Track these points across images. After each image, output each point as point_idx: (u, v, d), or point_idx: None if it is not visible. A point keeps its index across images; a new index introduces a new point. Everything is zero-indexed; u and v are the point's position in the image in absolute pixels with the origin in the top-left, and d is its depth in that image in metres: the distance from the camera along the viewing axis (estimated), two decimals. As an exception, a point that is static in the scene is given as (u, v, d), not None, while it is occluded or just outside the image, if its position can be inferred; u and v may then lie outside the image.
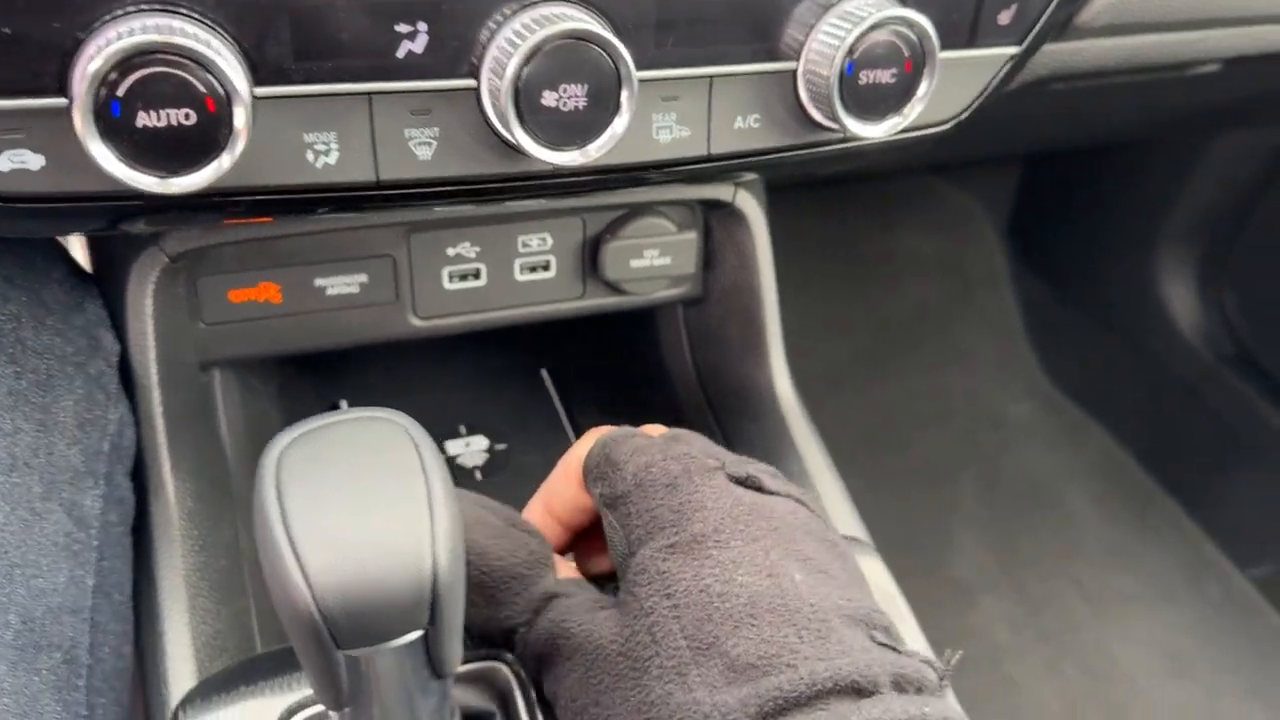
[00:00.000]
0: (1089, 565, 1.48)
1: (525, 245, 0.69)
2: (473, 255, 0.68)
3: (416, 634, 0.38)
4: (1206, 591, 1.46)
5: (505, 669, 0.56)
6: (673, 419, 0.79)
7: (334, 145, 0.45)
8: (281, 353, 0.67)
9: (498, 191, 0.50)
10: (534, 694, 0.55)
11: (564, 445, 0.81)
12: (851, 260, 1.75)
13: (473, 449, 0.77)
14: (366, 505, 0.36)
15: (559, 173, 0.49)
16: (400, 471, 0.37)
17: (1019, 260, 1.74)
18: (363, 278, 0.65)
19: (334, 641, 0.36)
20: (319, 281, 0.65)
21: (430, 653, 0.40)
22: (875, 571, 0.65)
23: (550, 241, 0.69)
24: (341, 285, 0.65)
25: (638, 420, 0.82)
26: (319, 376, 0.82)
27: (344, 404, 0.81)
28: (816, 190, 1.74)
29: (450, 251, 0.67)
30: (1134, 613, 1.44)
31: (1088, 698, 1.36)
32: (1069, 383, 1.65)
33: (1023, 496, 1.54)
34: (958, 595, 1.44)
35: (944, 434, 1.61)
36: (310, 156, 0.45)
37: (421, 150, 0.46)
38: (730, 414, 0.74)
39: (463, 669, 0.56)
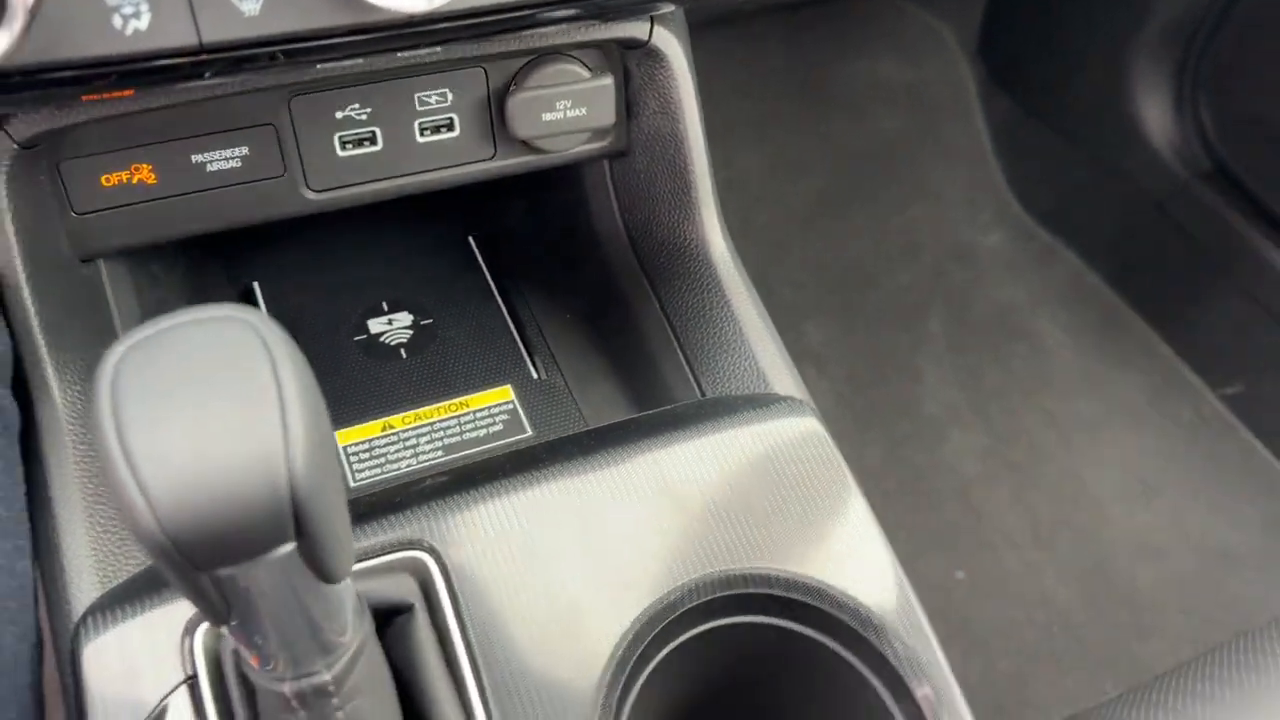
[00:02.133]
0: (1057, 394, 1.47)
1: (423, 103, 0.63)
2: (364, 118, 0.62)
3: (287, 548, 0.35)
4: (1176, 413, 1.46)
5: (426, 556, 0.54)
6: (605, 284, 0.75)
7: (143, 7, 0.39)
8: (166, 238, 0.62)
9: (350, 47, 0.44)
10: (456, 582, 0.54)
11: (494, 315, 0.77)
12: (815, 92, 1.67)
13: (396, 326, 0.73)
14: (211, 415, 0.32)
15: (412, 23, 0.43)
16: (248, 375, 0.33)
17: (988, 82, 1.66)
18: (244, 150, 0.60)
19: (191, 563, 0.34)
20: (196, 158, 0.59)
21: (311, 563, 0.38)
22: (815, 439, 0.62)
23: (451, 97, 0.63)
24: (221, 160, 0.60)
25: (569, 288, 0.78)
26: (228, 258, 0.78)
27: (256, 286, 0.76)
28: (777, 16, 1.64)
29: (339, 115, 0.61)
30: (1103, 438, 1.44)
31: (1056, 524, 1.37)
32: (1039, 208, 1.60)
33: (992, 328, 1.52)
34: (928, 430, 1.43)
35: (913, 270, 1.57)
36: (117, 22, 0.39)
37: (247, 5, 0.41)
38: (663, 275, 0.70)
39: (378, 560, 0.53)
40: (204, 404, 0.32)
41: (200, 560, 0.33)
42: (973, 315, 1.53)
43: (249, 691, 0.47)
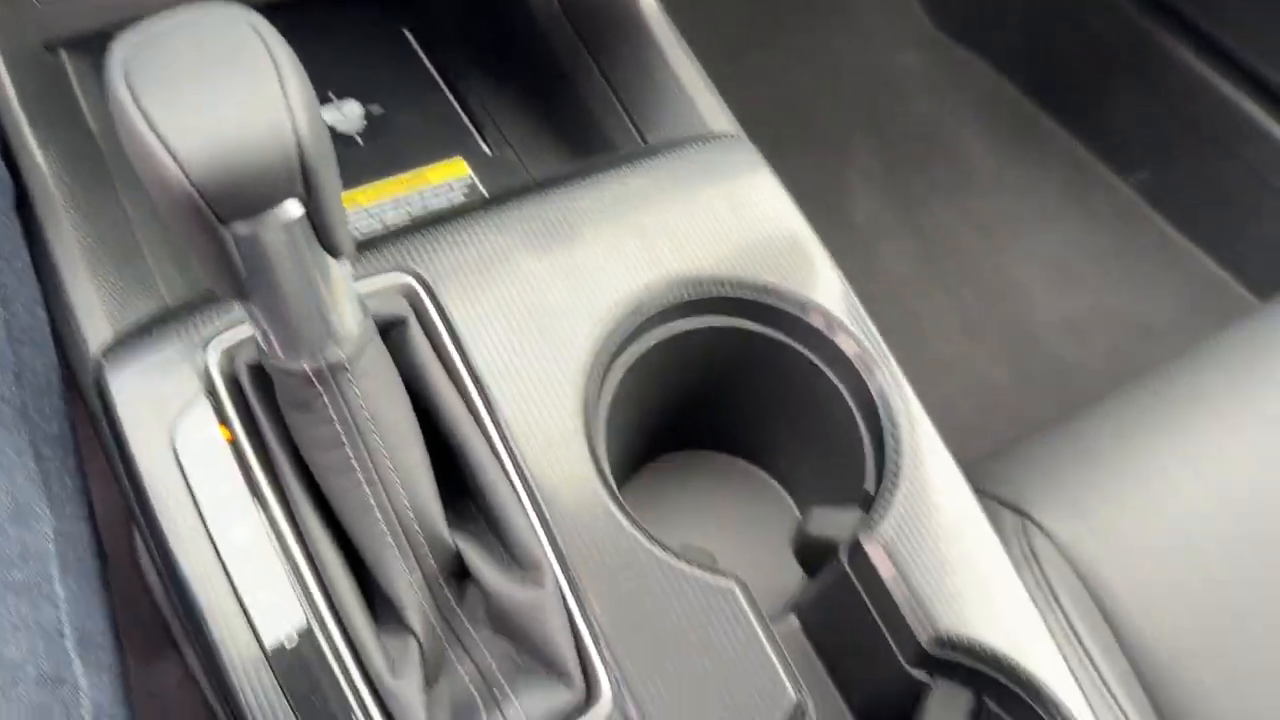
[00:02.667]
0: (980, 197, 1.54)
1: None
2: None
3: (296, 205, 0.40)
4: (1093, 206, 1.54)
5: (410, 279, 0.59)
6: (544, 58, 0.79)
7: None
8: (128, 19, 0.64)
9: None
10: (442, 297, 0.59)
11: (441, 102, 0.81)
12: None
13: (348, 115, 0.77)
14: (219, 88, 0.37)
15: None
16: (246, 55, 0.38)
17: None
18: None
19: (214, 215, 0.38)
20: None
21: (317, 227, 0.42)
22: (755, 166, 0.68)
23: None
24: None
25: (509, 68, 0.82)
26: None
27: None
28: None
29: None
30: (1025, 235, 1.52)
31: (986, 316, 1.46)
32: (954, 23, 1.65)
33: (915, 143, 1.58)
34: (859, 243, 1.50)
35: (837, 97, 1.62)
36: None
37: None
38: (598, 40, 0.74)
39: (366, 282, 0.58)
40: (211, 79, 0.36)
41: (224, 209, 0.38)
42: (896, 132, 1.59)
43: (266, 395, 0.52)
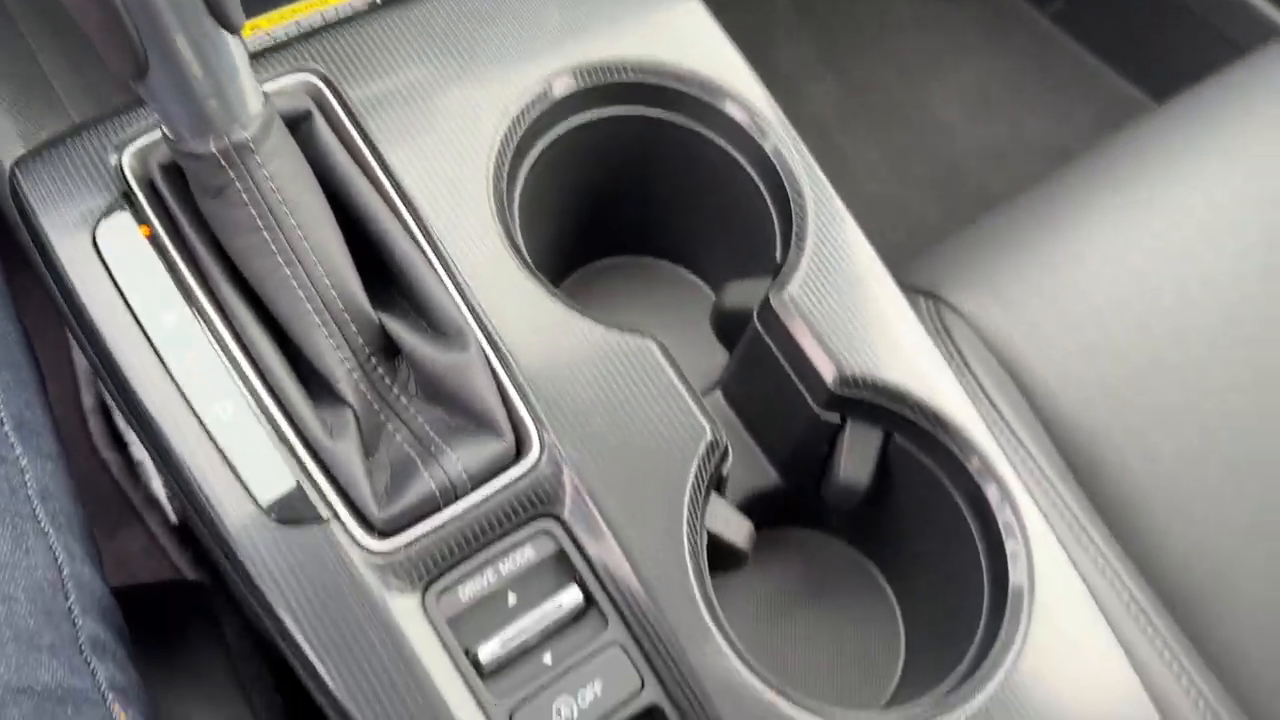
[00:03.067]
0: (899, 37, 1.56)
1: None
2: None
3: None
4: (1011, 38, 1.56)
5: (314, 77, 0.60)
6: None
7: None
8: None
9: None
10: (346, 92, 0.60)
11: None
12: None
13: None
14: None
15: None
16: None
17: None
18: None
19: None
20: None
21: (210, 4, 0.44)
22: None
23: None
24: None
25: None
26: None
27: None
28: None
29: None
30: (945, 70, 1.54)
31: (911, 149, 1.49)
32: None
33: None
34: (783, 89, 1.51)
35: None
36: None
37: None
38: None
39: (274, 83, 0.59)
40: None
41: None
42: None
43: (182, 192, 0.54)
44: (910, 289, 0.85)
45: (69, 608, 0.51)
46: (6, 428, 0.52)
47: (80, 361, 1.17)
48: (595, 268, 0.76)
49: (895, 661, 0.66)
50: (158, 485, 1.10)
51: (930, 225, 1.42)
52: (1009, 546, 0.56)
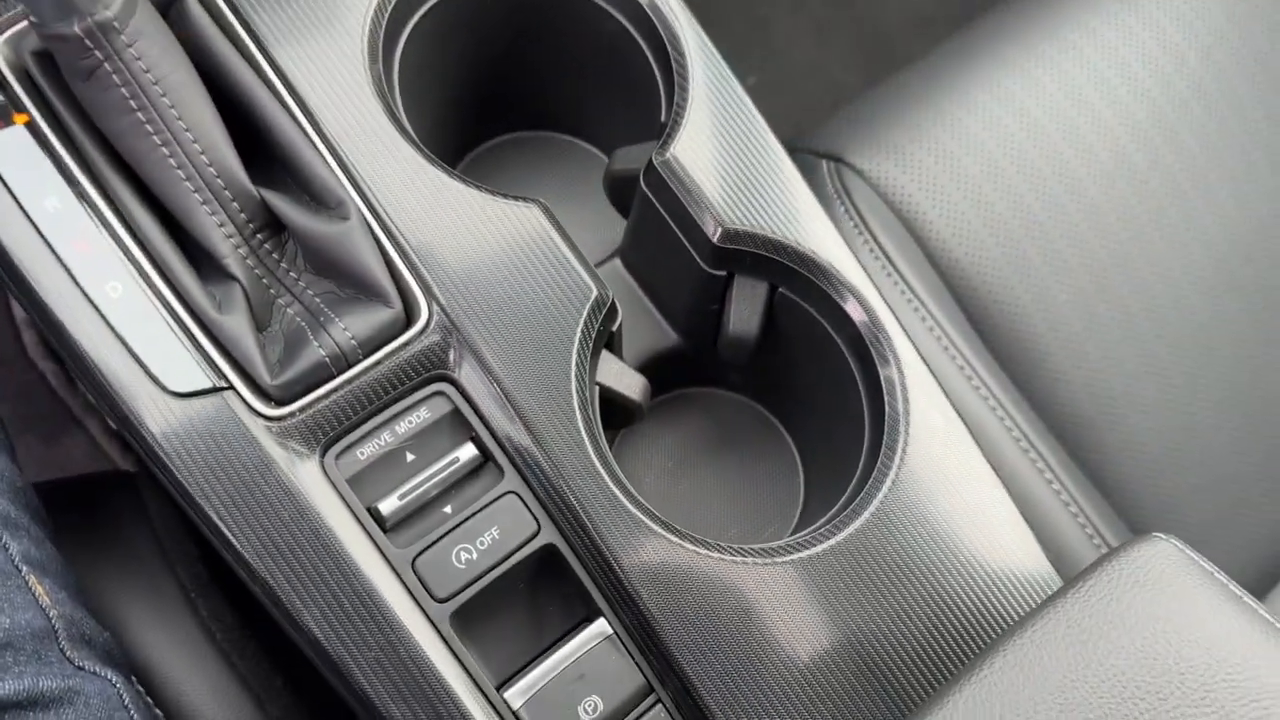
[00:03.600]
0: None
1: None
2: None
3: None
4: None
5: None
6: None
7: None
8: None
9: None
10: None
11: None
12: None
13: None
14: None
15: None
16: None
17: None
18: None
19: None
20: None
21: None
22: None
23: None
24: None
25: None
26: None
27: None
28: None
29: None
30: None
31: (837, 19, 1.48)
32: None
33: None
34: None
35: None
36: None
37: None
38: None
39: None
40: None
41: None
42: None
43: (57, 79, 0.54)
44: (810, 153, 0.86)
45: (61, 647, 0.53)
46: None
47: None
48: (490, 147, 0.77)
49: (796, 499, 0.70)
50: (94, 390, 1.11)
51: (853, 93, 1.43)
52: (883, 375, 0.59)
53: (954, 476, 0.58)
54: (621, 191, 0.68)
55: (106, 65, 0.50)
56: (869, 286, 0.61)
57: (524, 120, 0.76)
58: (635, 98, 0.68)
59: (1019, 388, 0.80)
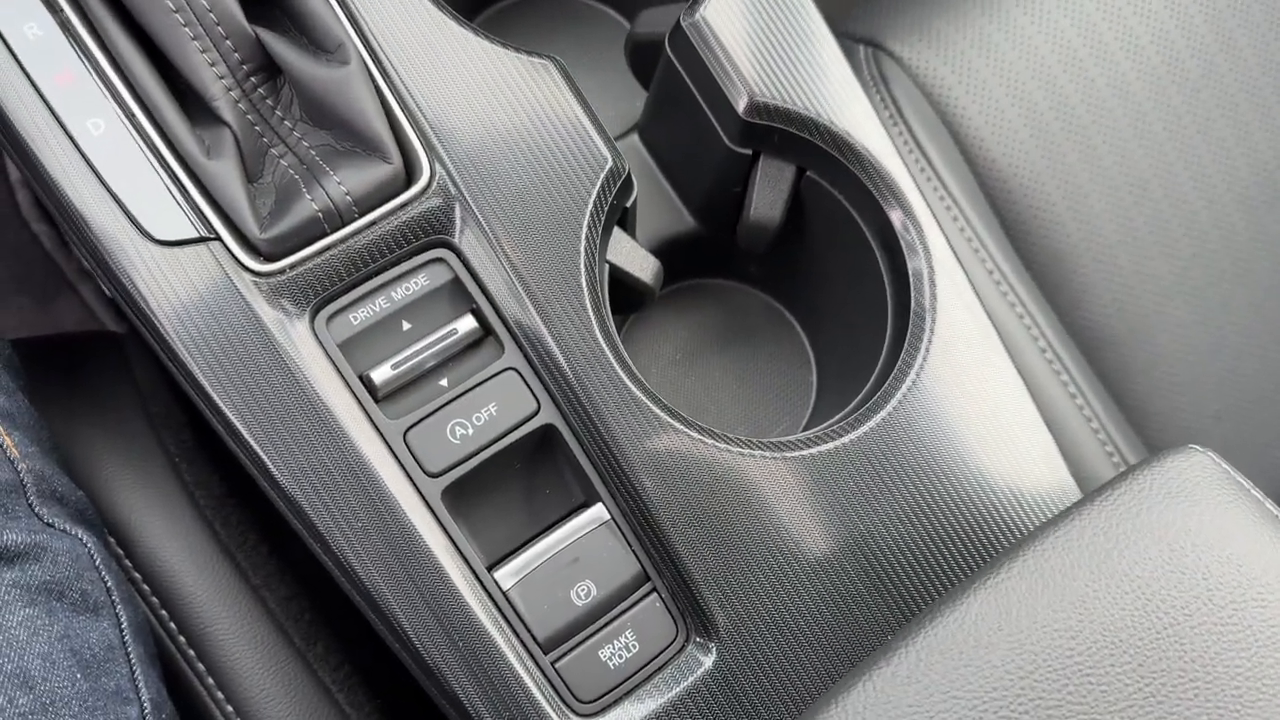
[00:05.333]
0: None
1: None
2: None
3: None
4: None
5: None
6: None
7: None
8: None
9: None
10: None
11: None
12: None
13: None
14: None
15: None
16: None
17: None
18: None
19: None
20: None
21: None
22: None
23: None
24: None
25: None
26: None
27: None
28: None
29: None
30: None
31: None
32: None
33: None
34: None
35: None
36: None
37: None
38: None
39: None
40: None
41: None
42: None
43: None
44: (849, 37, 0.81)
45: (28, 502, 0.50)
46: None
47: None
48: (503, 7, 0.72)
49: (807, 398, 0.67)
50: (88, 253, 1.08)
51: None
52: (911, 266, 0.55)
53: (977, 376, 0.56)
54: (644, 59, 0.63)
55: None
56: (905, 175, 0.57)
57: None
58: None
59: (1046, 296, 0.77)
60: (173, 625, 0.59)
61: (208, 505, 0.60)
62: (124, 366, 0.65)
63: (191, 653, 0.58)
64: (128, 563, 0.58)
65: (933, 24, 0.81)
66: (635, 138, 0.66)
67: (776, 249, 0.63)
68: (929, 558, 0.53)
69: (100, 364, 0.66)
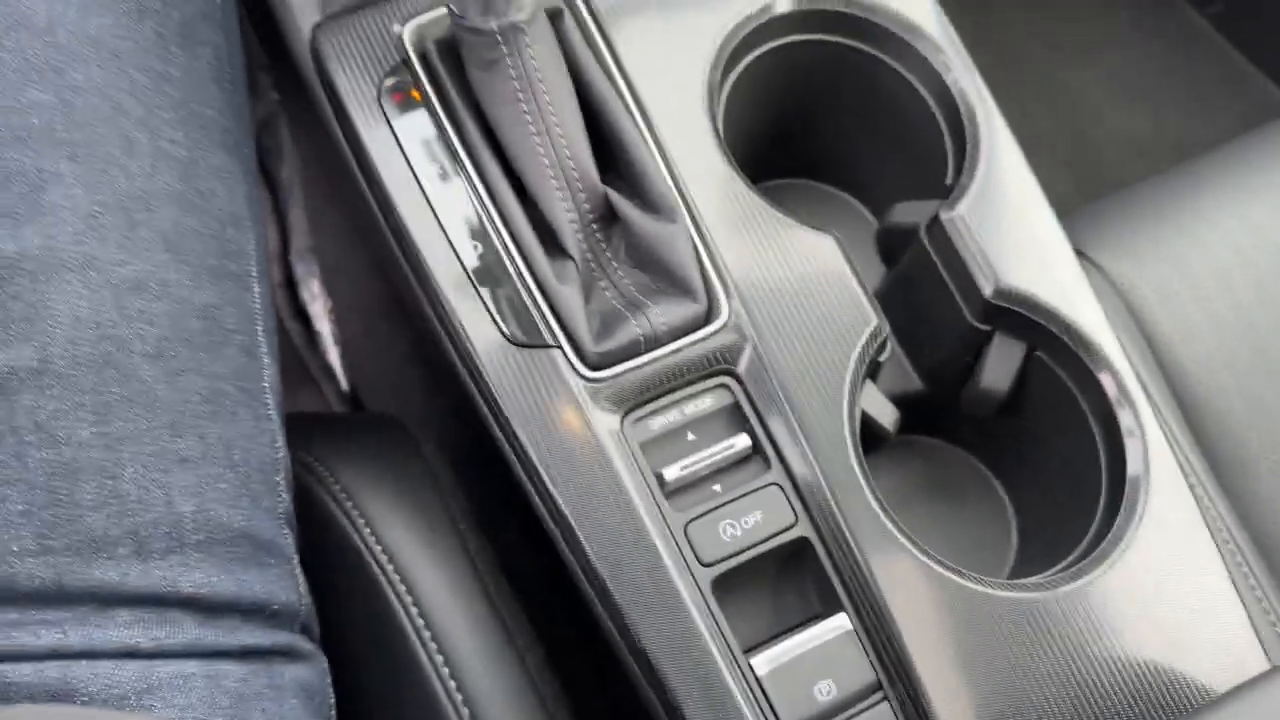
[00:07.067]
0: (1053, 18, 1.59)
1: None
2: None
3: None
4: (1164, 31, 1.59)
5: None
6: None
7: None
8: None
9: None
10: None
11: None
12: None
13: None
14: None
15: None
16: None
17: None
18: None
19: None
20: None
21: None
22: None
23: None
24: None
25: None
26: None
27: None
28: None
29: None
30: (1093, 53, 1.57)
31: (1051, 129, 1.53)
32: None
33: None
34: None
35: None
36: None
37: None
38: None
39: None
40: None
41: None
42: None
43: (453, 65, 0.63)
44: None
45: (277, 481, 0.61)
46: (260, 329, 0.62)
47: (270, 240, 1.29)
48: (763, 187, 0.85)
49: (1006, 557, 0.74)
50: (334, 356, 1.22)
51: (1062, 201, 1.46)
52: (1128, 442, 0.63)
53: (1185, 547, 0.62)
54: (893, 241, 0.74)
55: (508, 60, 0.59)
56: (1124, 362, 0.65)
57: (798, 168, 0.83)
58: (916, 156, 0.75)
59: (1228, 498, 0.82)
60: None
61: (485, 570, 0.69)
62: (409, 439, 0.76)
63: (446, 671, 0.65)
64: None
65: (1128, 237, 0.90)
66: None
67: (995, 414, 0.71)
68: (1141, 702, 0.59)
69: (384, 434, 0.77)
